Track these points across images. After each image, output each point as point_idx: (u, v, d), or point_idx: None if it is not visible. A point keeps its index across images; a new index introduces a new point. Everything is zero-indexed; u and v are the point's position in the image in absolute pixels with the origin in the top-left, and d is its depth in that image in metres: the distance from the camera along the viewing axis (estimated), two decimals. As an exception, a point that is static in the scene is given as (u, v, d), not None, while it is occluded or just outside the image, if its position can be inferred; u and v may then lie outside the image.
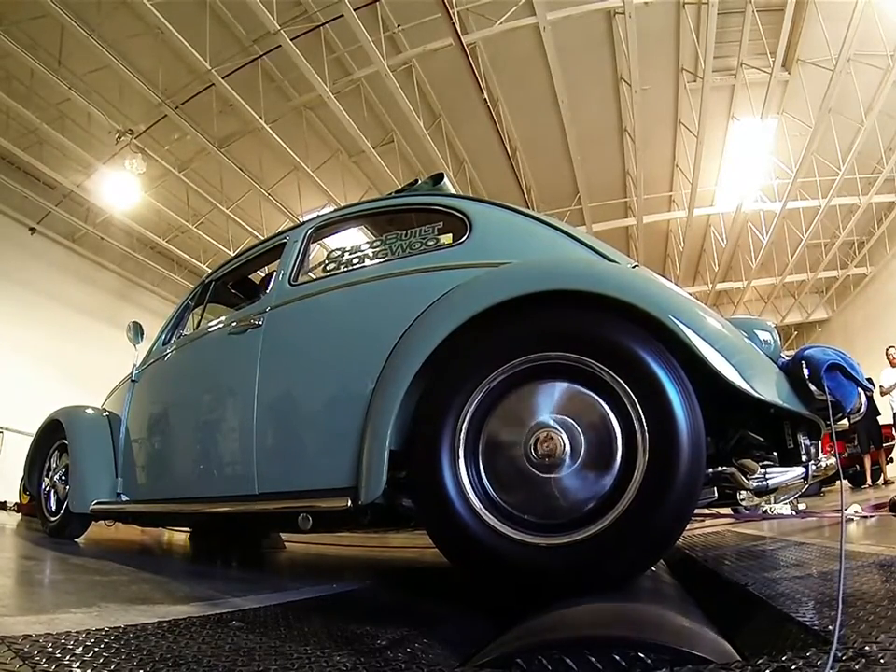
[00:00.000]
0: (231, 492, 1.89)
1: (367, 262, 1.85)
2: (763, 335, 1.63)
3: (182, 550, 3.36)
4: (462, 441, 1.32)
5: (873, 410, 7.33)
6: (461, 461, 1.31)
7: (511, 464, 1.30)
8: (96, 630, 0.95)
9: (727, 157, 8.97)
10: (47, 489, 2.92)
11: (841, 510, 1.38)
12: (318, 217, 2.21)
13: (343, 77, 7.21)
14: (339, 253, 1.90)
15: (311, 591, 1.65)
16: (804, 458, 1.41)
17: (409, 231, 1.80)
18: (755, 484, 1.39)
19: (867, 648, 0.73)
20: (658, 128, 8.56)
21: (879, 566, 1.35)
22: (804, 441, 1.43)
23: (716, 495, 1.48)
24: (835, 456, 1.52)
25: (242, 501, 1.83)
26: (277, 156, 8.04)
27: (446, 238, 1.76)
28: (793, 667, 0.71)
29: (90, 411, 2.87)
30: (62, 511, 2.72)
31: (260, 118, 7.11)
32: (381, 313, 1.68)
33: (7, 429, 7.46)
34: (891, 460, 8.59)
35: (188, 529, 3.57)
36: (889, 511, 3.27)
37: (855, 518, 3.19)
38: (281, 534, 3.47)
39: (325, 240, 2.39)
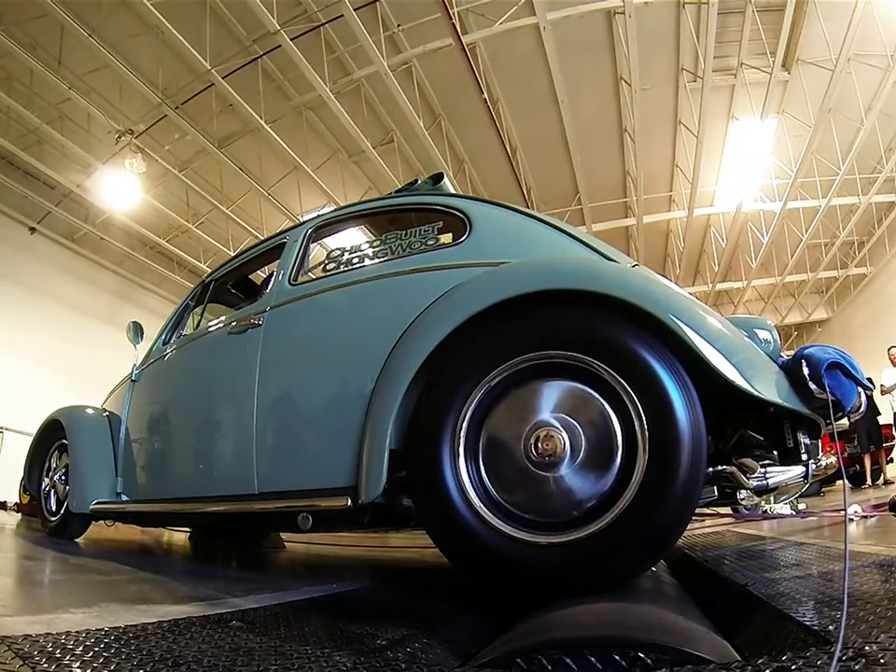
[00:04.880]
0: (231, 491, 1.88)
1: (367, 262, 1.85)
2: (762, 334, 1.63)
3: (182, 550, 3.36)
4: (462, 440, 1.32)
5: (873, 410, 7.33)
6: (461, 460, 1.31)
7: (512, 462, 1.30)
8: (96, 630, 0.95)
9: (727, 157, 8.97)
10: (47, 489, 2.92)
11: (844, 508, 1.38)
12: (318, 216, 2.21)
13: (343, 76, 7.20)
14: (339, 253, 1.90)
15: (311, 591, 1.65)
16: (804, 457, 1.41)
17: (409, 231, 1.80)
18: (755, 483, 1.39)
19: (867, 648, 0.72)
20: (658, 128, 8.55)
21: (879, 566, 1.34)
22: (803, 440, 1.43)
23: (716, 494, 1.48)
24: (837, 455, 1.52)
25: (242, 501, 1.83)
26: (277, 156, 8.04)
27: (446, 238, 1.76)
28: (793, 667, 0.71)
29: (90, 411, 2.87)
30: (62, 511, 2.72)
31: (260, 117, 7.10)
32: (381, 312, 1.68)
33: (7, 429, 7.45)
34: (891, 460, 8.58)
35: (188, 529, 3.57)
36: (889, 510, 3.27)
37: (855, 518, 3.19)
38: (281, 534, 3.47)
39: (325, 240, 2.39)
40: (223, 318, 2.25)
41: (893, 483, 8.16)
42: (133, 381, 2.64)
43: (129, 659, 0.82)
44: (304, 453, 1.74)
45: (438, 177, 2.20)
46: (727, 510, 3.99)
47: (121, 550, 3.00)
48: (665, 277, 1.54)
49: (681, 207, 10.05)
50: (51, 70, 6.49)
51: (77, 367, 8.72)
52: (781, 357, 1.55)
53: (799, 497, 3.87)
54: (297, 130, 7.84)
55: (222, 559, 2.92)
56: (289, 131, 7.70)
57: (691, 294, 1.49)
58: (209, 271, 2.81)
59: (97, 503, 2.48)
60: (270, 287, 2.09)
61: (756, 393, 1.26)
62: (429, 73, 7.44)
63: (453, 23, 6.02)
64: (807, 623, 0.89)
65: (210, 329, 2.27)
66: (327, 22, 6.47)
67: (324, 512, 1.58)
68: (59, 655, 0.79)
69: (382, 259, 1.80)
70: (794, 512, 4.05)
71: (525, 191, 9.15)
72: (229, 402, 2.04)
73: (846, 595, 0.84)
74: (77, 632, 0.92)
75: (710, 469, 1.36)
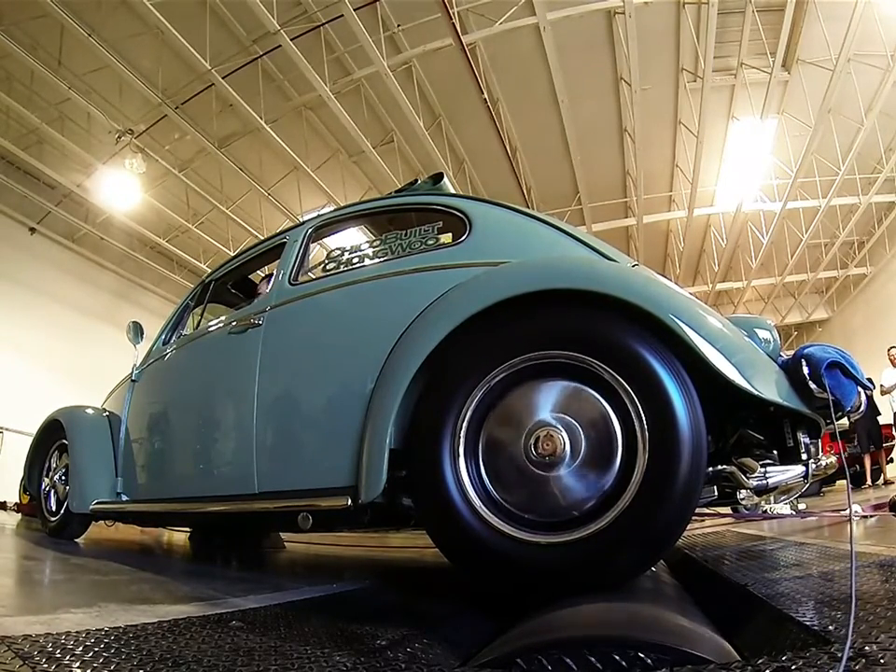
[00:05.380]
0: (231, 491, 1.88)
1: (366, 262, 1.85)
2: (762, 334, 1.63)
3: (182, 550, 3.36)
4: (462, 440, 1.32)
5: (873, 410, 7.33)
6: (461, 460, 1.31)
7: (512, 462, 1.30)
8: (96, 630, 0.95)
9: (727, 157, 8.97)
10: (47, 489, 2.92)
11: (849, 506, 1.38)
12: (318, 216, 2.21)
13: (343, 76, 7.20)
14: (339, 253, 1.90)
15: (311, 591, 1.65)
16: (803, 457, 1.41)
17: (408, 231, 1.80)
18: (755, 483, 1.39)
19: (867, 648, 0.72)
20: (658, 128, 8.55)
21: (879, 566, 1.34)
22: (803, 439, 1.43)
23: (716, 494, 1.48)
24: (839, 454, 1.52)
25: (242, 500, 1.83)
26: (277, 156, 8.04)
27: (446, 237, 1.76)
28: (793, 667, 0.71)
29: (90, 411, 2.87)
30: (62, 511, 2.72)
31: (260, 118, 7.10)
32: (380, 312, 1.68)
33: (7, 429, 7.46)
34: (891, 460, 8.58)
35: (188, 529, 3.57)
36: (889, 510, 3.27)
37: (855, 518, 3.19)
38: (281, 534, 3.47)
39: (325, 240, 2.39)
40: (223, 318, 2.25)
41: (893, 482, 8.16)
42: (133, 381, 2.64)
43: (129, 659, 0.82)
44: (304, 452, 1.74)
45: (438, 177, 2.20)
46: (727, 509, 3.99)
47: (121, 550, 3.00)
48: (665, 277, 1.54)
49: (681, 207, 10.05)
50: (51, 70, 6.49)
51: (77, 367, 8.72)
52: (781, 356, 1.55)
53: (799, 496, 3.87)
54: (297, 130, 7.84)
55: (222, 559, 2.92)
56: (289, 131, 7.70)
57: (691, 294, 1.49)
58: (209, 271, 2.81)
59: (97, 503, 2.48)
60: (270, 287, 2.09)
61: (756, 392, 1.26)
62: (429, 73, 7.43)
63: (453, 23, 6.02)
64: (807, 623, 0.89)
65: (210, 329, 2.27)
66: (327, 22, 6.47)
67: (324, 512, 1.58)
68: (59, 655, 0.79)
69: (382, 259, 1.80)
70: (794, 512, 4.05)
71: (525, 191, 9.15)
72: (229, 402, 2.04)
73: (853, 594, 0.84)
74: (76, 632, 0.92)
75: (710, 469, 1.36)
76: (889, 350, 7.77)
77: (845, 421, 1.50)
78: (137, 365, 2.69)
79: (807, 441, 1.44)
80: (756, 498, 1.57)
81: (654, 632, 0.89)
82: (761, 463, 1.42)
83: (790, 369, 1.42)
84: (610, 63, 7.60)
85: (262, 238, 2.74)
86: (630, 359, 1.23)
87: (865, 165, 8.98)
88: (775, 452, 1.48)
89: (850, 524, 1.28)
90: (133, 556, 2.77)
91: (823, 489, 7.21)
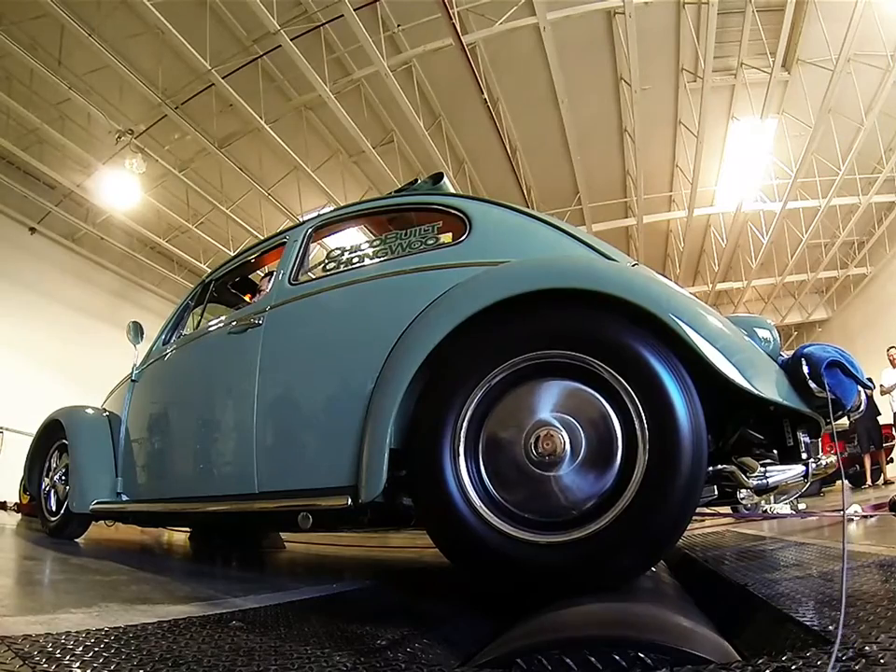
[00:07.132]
0: (232, 491, 1.88)
1: (366, 261, 1.85)
2: (762, 333, 1.63)
3: (182, 550, 3.36)
4: (462, 440, 1.32)
5: (873, 410, 7.33)
6: (461, 459, 1.31)
7: (512, 462, 1.30)
8: (96, 630, 0.95)
9: (727, 157, 8.97)
10: (47, 489, 2.92)
11: (843, 508, 1.38)
12: (318, 216, 2.21)
13: (343, 76, 7.20)
14: (339, 252, 1.90)
15: (311, 591, 1.65)
16: (804, 456, 1.41)
17: (408, 231, 1.80)
18: (755, 483, 1.39)
19: (867, 648, 0.72)
20: (658, 128, 8.55)
21: (879, 566, 1.34)
22: (803, 438, 1.43)
23: (716, 493, 1.48)
24: (836, 454, 1.52)
25: (242, 500, 1.83)
26: (277, 156, 8.04)
27: (446, 237, 1.76)
28: (793, 667, 0.71)
29: (90, 411, 2.87)
30: (62, 511, 2.72)
31: (260, 118, 7.10)
32: (381, 312, 1.68)
33: (7, 429, 7.45)
34: (891, 460, 8.58)
35: (188, 529, 3.57)
36: (889, 510, 3.27)
37: (855, 518, 3.19)
38: (281, 534, 3.47)
39: (325, 239, 2.39)
40: (223, 318, 2.25)
41: (893, 482, 8.16)
42: (133, 381, 2.64)
43: (129, 659, 0.82)
44: (305, 452, 1.74)
45: (438, 177, 2.20)
46: (727, 509, 3.99)
47: (121, 550, 3.00)
48: (665, 277, 1.54)
49: (681, 207, 10.05)
50: (51, 70, 6.49)
51: (77, 367, 8.71)
52: (781, 356, 1.54)
53: (799, 496, 3.87)
54: (297, 130, 7.84)
55: (222, 559, 2.92)
56: (289, 131, 7.70)
57: (691, 294, 1.49)
58: (209, 271, 2.81)
59: (97, 503, 2.48)
60: (270, 287, 2.09)
61: (756, 392, 1.26)
62: (429, 73, 7.43)
63: (453, 23, 6.02)
64: (807, 624, 0.89)
65: (210, 329, 2.27)
66: (327, 22, 6.47)
67: (324, 512, 1.58)
68: (59, 655, 0.79)
69: (382, 259, 1.80)
70: (794, 512, 4.05)
71: (525, 191, 9.15)
72: (229, 402, 2.04)
73: (843, 595, 0.84)
74: (76, 632, 0.92)
75: (710, 469, 1.36)
76: (888, 350, 7.78)
77: (845, 420, 1.50)
78: (137, 365, 2.69)
79: (807, 440, 1.44)
80: (756, 498, 1.57)
81: (654, 632, 0.89)
82: (761, 462, 1.42)
83: (790, 368, 1.42)
84: (610, 63, 7.60)
85: (262, 238, 2.74)
86: (630, 359, 1.23)
87: (865, 165, 8.98)
88: (775, 451, 1.48)
89: (843, 522, 1.28)
90: (133, 556, 2.77)
91: (823, 489, 7.21)
